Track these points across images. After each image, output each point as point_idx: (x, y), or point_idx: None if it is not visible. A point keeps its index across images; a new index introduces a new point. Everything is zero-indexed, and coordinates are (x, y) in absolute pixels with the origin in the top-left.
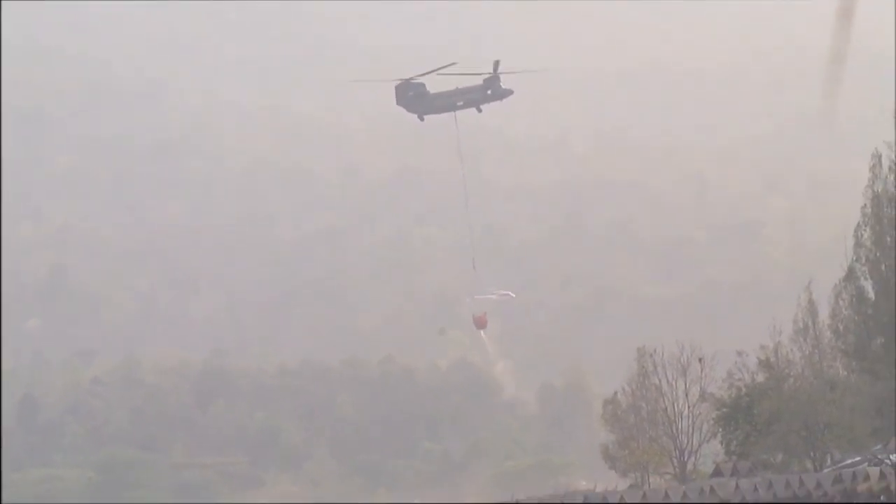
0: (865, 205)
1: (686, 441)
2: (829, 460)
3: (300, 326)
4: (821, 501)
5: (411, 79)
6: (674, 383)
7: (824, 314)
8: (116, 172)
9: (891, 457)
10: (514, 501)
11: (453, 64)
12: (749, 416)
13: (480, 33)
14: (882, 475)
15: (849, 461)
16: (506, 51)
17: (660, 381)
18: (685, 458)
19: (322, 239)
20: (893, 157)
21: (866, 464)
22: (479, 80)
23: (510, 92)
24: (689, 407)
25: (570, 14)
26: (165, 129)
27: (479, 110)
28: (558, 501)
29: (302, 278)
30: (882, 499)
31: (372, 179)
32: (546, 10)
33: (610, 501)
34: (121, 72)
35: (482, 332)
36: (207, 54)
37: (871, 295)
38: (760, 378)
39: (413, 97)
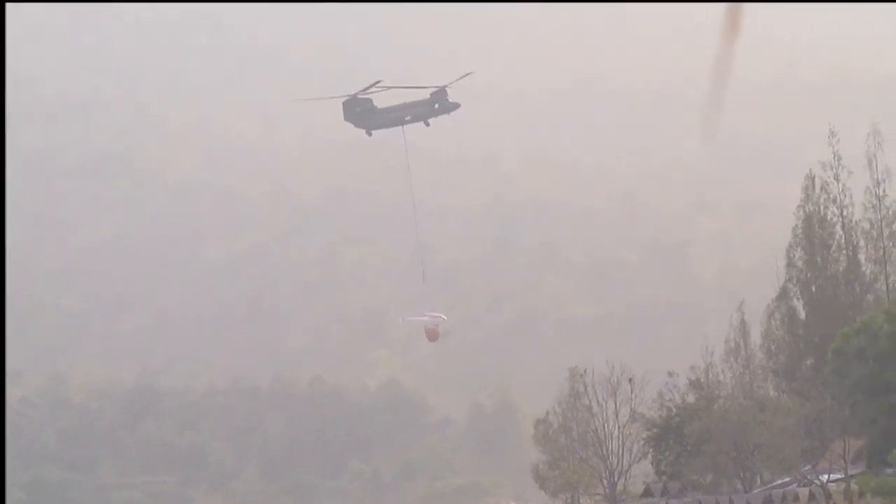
0: (797, 225)
1: (616, 461)
2: (758, 481)
3: (229, 346)
4: None
5: (357, 94)
6: (604, 404)
7: (755, 335)
8: (43, 190)
9: (820, 477)
10: None
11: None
12: (679, 436)
13: (410, 51)
14: (811, 496)
15: (778, 482)
16: (436, 68)
17: (590, 401)
18: (615, 479)
19: (251, 258)
20: (825, 178)
21: (796, 484)
22: (425, 94)
23: (457, 105)
24: (619, 427)
25: (500, 32)
26: (93, 147)
27: (427, 124)
28: None
29: (231, 298)
30: None
31: (301, 199)
32: (476, 28)
33: None
34: (48, 89)
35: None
36: (136, 72)
37: (802, 315)
38: (691, 398)
39: (361, 112)
